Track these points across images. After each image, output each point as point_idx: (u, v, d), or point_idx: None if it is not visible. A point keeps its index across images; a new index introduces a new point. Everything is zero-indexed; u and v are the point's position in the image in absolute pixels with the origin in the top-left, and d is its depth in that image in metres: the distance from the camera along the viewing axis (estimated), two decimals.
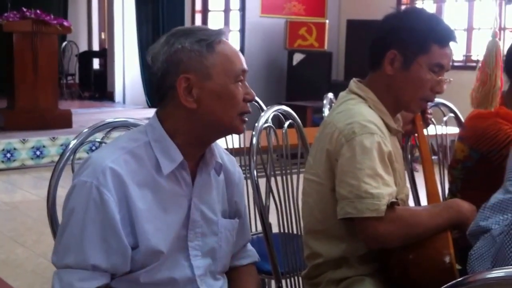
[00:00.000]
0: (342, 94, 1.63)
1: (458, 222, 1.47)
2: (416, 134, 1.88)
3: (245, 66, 1.25)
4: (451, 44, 1.56)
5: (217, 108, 1.22)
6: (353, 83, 1.61)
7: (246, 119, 1.27)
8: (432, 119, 1.92)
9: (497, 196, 1.17)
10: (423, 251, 1.43)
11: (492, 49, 1.53)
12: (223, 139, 2.36)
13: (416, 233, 1.44)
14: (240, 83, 1.24)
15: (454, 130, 2.46)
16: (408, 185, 1.91)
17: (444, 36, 1.54)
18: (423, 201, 1.83)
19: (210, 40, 1.21)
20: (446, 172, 2.23)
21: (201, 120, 1.23)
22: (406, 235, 1.43)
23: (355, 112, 1.51)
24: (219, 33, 1.24)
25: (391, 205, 1.42)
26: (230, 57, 1.23)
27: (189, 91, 1.21)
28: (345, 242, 1.52)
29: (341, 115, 1.53)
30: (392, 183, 1.46)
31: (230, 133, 1.30)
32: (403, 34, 1.53)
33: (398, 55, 1.53)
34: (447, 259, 1.39)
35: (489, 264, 1.03)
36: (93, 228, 1.16)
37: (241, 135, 2.43)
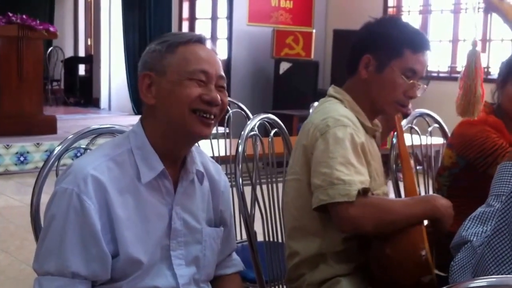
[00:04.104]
0: (321, 99, 1.68)
1: (433, 216, 1.50)
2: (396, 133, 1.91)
3: (209, 69, 1.24)
4: (427, 53, 1.60)
5: (169, 104, 1.23)
6: (332, 88, 1.67)
7: (208, 121, 1.24)
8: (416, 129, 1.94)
9: (479, 209, 1.18)
10: (399, 246, 1.45)
11: (472, 58, 1.55)
12: (208, 146, 2.36)
13: (388, 219, 1.45)
14: (198, 82, 1.23)
15: (439, 140, 2.49)
16: (392, 193, 1.93)
17: (417, 42, 1.59)
18: None
19: (172, 41, 1.25)
20: (430, 182, 2.25)
21: (161, 118, 1.24)
22: (378, 219, 1.45)
23: (330, 109, 1.57)
24: (188, 36, 1.26)
25: (364, 192, 1.44)
26: (189, 58, 1.24)
27: (150, 88, 1.24)
28: (320, 237, 1.55)
29: (317, 113, 1.59)
30: (365, 173, 1.49)
31: (187, 135, 1.25)
32: (378, 39, 1.58)
33: (372, 60, 1.58)
34: (422, 252, 1.41)
35: (470, 275, 1.03)
36: (73, 235, 1.16)
37: (227, 143, 2.42)
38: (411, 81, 1.58)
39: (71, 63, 10.23)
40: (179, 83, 1.23)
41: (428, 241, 1.43)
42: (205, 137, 1.27)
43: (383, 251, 1.46)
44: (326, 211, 1.47)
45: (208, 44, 1.29)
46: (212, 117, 1.25)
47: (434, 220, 1.51)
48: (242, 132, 1.81)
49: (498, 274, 0.94)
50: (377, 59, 1.57)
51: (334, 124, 1.50)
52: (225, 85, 1.28)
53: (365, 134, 1.59)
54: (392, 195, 2.12)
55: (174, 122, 1.24)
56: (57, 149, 1.46)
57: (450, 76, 6.05)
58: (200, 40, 1.27)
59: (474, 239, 1.09)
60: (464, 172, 1.99)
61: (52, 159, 1.45)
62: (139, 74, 1.26)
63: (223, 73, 1.28)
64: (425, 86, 1.63)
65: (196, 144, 1.35)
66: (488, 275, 0.95)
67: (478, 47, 1.70)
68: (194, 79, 1.23)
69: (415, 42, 1.58)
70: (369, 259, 1.51)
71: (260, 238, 1.87)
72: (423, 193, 2.14)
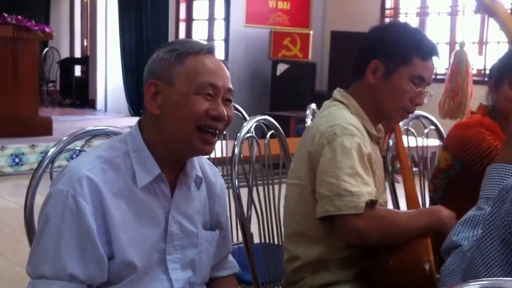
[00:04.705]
0: (326, 102, 1.67)
1: (437, 228, 1.50)
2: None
3: (218, 82, 1.22)
4: (434, 59, 1.59)
5: (175, 117, 1.21)
6: (337, 91, 1.65)
7: (212, 140, 1.22)
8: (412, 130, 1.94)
9: (470, 212, 1.18)
10: (404, 258, 1.45)
11: (462, 58, 1.52)
12: None
13: (394, 232, 1.46)
14: (205, 96, 1.21)
15: (435, 142, 2.49)
16: (389, 195, 1.92)
17: (426, 50, 1.58)
18: (403, 208, 1.84)
19: (181, 51, 1.22)
20: (426, 183, 2.25)
21: (164, 128, 1.22)
22: (384, 232, 1.45)
23: (337, 115, 1.55)
24: (199, 46, 1.24)
25: (371, 204, 1.44)
26: (198, 69, 1.22)
27: (156, 97, 1.22)
28: (323, 244, 1.54)
29: (324, 119, 1.57)
30: (372, 183, 1.49)
31: (189, 150, 1.24)
32: (387, 45, 1.57)
33: (380, 65, 1.57)
34: (426, 266, 1.42)
35: (460, 279, 1.03)
36: (70, 237, 1.15)
37: (224, 144, 2.41)
38: (419, 89, 1.57)
39: (67, 64, 10.19)
40: (186, 97, 1.20)
41: (433, 252, 1.43)
42: (207, 154, 1.26)
43: (387, 262, 1.45)
44: (330, 220, 1.46)
45: (217, 54, 1.27)
46: (217, 132, 1.23)
47: (439, 232, 1.50)
48: (238, 134, 1.80)
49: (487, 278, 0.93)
50: (385, 65, 1.56)
51: (341, 133, 1.49)
52: (232, 98, 1.26)
53: (370, 142, 1.58)
54: (388, 197, 2.11)
55: (178, 136, 1.22)
56: (51, 151, 1.45)
57: None
58: (211, 51, 1.25)
59: (465, 243, 1.09)
60: (460, 174, 1.98)
61: (46, 161, 1.44)
62: (145, 82, 1.24)
63: (231, 86, 1.26)
64: (432, 93, 1.62)
65: None
66: (477, 279, 0.94)
67: (466, 48, 1.67)
68: (201, 93, 1.21)
69: (424, 49, 1.57)
70: (374, 269, 1.51)
71: (256, 239, 1.86)
72: (419, 195, 2.13)
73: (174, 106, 1.21)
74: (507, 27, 1.36)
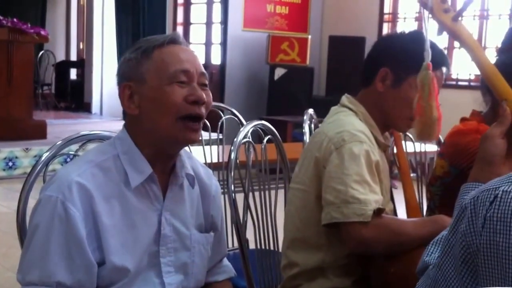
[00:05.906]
0: (333, 108, 1.66)
1: None
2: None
3: (189, 67, 1.20)
4: (443, 69, 1.59)
5: (154, 113, 1.20)
6: (345, 97, 1.64)
7: (196, 127, 1.20)
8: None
9: (443, 232, 1.16)
10: (405, 266, 1.43)
11: (425, 81, 1.49)
12: (201, 152, 2.33)
13: (400, 242, 1.44)
14: (179, 85, 1.19)
15: (433, 148, 2.48)
16: None
17: (436, 59, 1.56)
18: (402, 216, 1.83)
19: (146, 47, 1.22)
20: (424, 189, 2.23)
21: (146, 127, 1.21)
22: (390, 242, 1.44)
23: (346, 122, 1.55)
24: (162, 38, 1.23)
25: (378, 212, 1.42)
26: (165, 59, 1.20)
27: (132, 99, 1.21)
28: (323, 252, 1.53)
29: (332, 125, 1.56)
30: (379, 191, 1.48)
31: (175, 142, 1.23)
32: (397, 54, 1.57)
33: (390, 73, 1.56)
34: None
35: None
36: (57, 244, 1.13)
37: (220, 149, 2.39)
38: None
39: (63, 67, 10.14)
40: (160, 89, 1.19)
41: None
42: (194, 142, 1.24)
43: (387, 270, 1.44)
44: (334, 227, 1.45)
45: (183, 43, 1.25)
46: (200, 117, 1.21)
47: None
48: (235, 139, 1.78)
49: None
50: (394, 73, 1.56)
51: (350, 139, 1.48)
52: (207, 82, 1.24)
53: (378, 150, 1.57)
54: None
55: (161, 131, 1.20)
56: (45, 155, 1.44)
57: (445, 83, 6.05)
58: (175, 40, 1.23)
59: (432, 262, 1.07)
60: (456, 182, 1.96)
61: (39, 166, 1.42)
62: (118, 86, 1.23)
63: (204, 70, 1.24)
64: (440, 104, 1.61)
65: (188, 149, 1.32)
66: None
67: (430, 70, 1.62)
68: (174, 82, 1.19)
69: (434, 59, 1.55)
70: (373, 275, 1.49)
71: (251, 245, 1.84)
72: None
73: (151, 102, 1.19)
74: (472, 49, 1.35)
